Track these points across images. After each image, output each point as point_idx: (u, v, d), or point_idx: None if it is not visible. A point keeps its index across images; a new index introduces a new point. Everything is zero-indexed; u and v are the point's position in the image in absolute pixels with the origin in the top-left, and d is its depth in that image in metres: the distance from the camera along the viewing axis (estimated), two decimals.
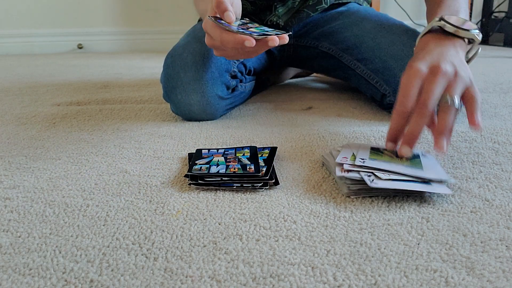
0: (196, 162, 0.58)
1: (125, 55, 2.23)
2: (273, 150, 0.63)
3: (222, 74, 0.83)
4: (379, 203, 0.49)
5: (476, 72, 1.43)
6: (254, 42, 0.59)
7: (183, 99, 0.82)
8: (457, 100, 0.53)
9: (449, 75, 0.54)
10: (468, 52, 0.65)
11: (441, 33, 0.63)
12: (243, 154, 0.61)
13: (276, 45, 0.61)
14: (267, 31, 0.64)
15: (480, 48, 0.65)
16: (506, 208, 0.48)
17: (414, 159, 0.56)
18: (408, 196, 0.50)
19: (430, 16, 0.73)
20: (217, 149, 0.64)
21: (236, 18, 0.64)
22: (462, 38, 0.63)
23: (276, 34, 0.62)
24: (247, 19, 0.71)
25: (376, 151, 0.58)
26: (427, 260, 0.38)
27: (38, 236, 0.43)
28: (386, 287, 0.35)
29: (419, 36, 0.66)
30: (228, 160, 0.58)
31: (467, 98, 0.55)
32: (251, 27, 0.65)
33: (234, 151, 0.62)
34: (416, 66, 0.55)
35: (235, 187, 0.53)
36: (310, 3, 0.95)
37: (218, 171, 0.55)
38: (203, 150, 0.64)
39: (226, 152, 0.62)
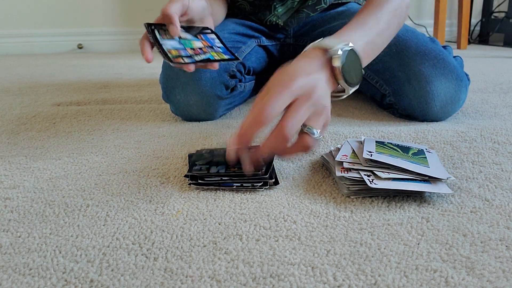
0: (196, 162, 0.58)
1: (125, 55, 2.23)
2: None
3: (221, 74, 0.83)
4: (379, 203, 0.49)
5: (476, 72, 1.43)
6: (147, 58, 0.63)
7: (182, 99, 0.82)
8: (316, 132, 0.51)
9: (315, 110, 0.51)
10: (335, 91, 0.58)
11: (329, 58, 0.55)
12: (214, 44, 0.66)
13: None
14: (211, 52, 0.63)
15: (350, 90, 0.57)
16: (506, 208, 0.48)
17: (420, 155, 0.56)
18: (408, 196, 0.50)
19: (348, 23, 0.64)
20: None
21: (191, 26, 0.65)
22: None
23: (218, 60, 0.62)
24: (209, 29, 0.70)
25: (381, 144, 0.58)
26: (427, 260, 0.38)
27: (38, 236, 0.43)
28: (386, 287, 0.35)
29: (311, 44, 0.57)
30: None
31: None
32: (198, 42, 0.65)
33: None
34: (283, 83, 0.50)
35: (235, 187, 0.53)
36: (309, 3, 0.95)
37: (218, 170, 0.55)
38: (203, 151, 0.64)
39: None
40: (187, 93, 0.81)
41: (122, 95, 1.13)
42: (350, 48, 0.55)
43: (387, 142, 0.59)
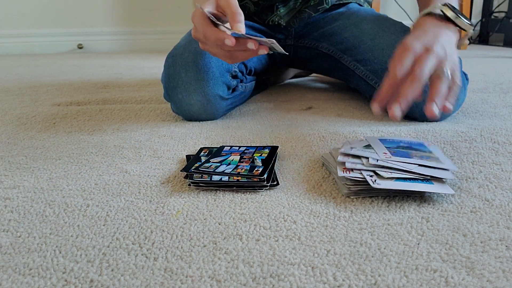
0: (209, 160, 0.59)
1: (125, 55, 2.23)
2: (273, 149, 0.63)
3: (223, 74, 0.83)
4: (379, 203, 0.49)
5: (476, 72, 1.43)
6: (233, 41, 0.59)
7: (184, 98, 0.82)
8: (448, 72, 0.57)
9: (440, 57, 0.57)
10: (458, 40, 0.68)
11: (439, 17, 0.65)
12: (261, 155, 0.61)
13: (255, 50, 0.61)
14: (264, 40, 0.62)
15: (468, 41, 0.69)
16: (506, 208, 0.48)
17: (425, 152, 0.56)
18: (408, 196, 0.50)
19: (424, 3, 0.74)
20: (239, 147, 0.64)
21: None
22: (458, 26, 0.65)
23: (267, 44, 0.61)
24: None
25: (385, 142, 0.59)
26: (427, 260, 0.38)
27: (38, 236, 0.43)
28: (386, 287, 0.35)
29: (419, 15, 0.68)
30: (241, 160, 0.58)
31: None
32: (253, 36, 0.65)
33: (254, 150, 0.63)
34: (410, 43, 0.58)
35: (234, 188, 0.53)
36: (311, 4, 0.96)
37: (221, 178, 0.54)
38: (225, 147, 0.64)
39: (245, 151, 0.62)
40: (189, 92, 0.81)
41: (122, 95, 1.13)
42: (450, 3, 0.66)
43: (390, 140, 0.60)
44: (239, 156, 0.60)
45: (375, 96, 0.57)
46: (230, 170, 0.55)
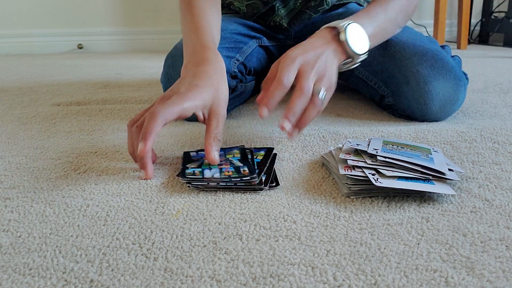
0: (187, 166, 0.57)
1: (125, 55, 2.23)
2: (269, 151, 0.63)
3: None
4: (379, 203, 0.49)
5: (476, 72, 1.43)
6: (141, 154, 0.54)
7: None
8: (323, 92, 0.61)
9: (320, 75, 0.61)
10: (344, 63, 0.69)
11: (335, 35, 0.66)
12: (233, 156, 0.60)
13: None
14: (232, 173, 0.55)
15: (356, 65, 0.70)
16: (506, 208, 0.48)
17: (426, 153, 0.56)
18: (408, 196, 0.50)
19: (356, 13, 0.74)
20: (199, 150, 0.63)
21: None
22: (345, 51, 0.66)
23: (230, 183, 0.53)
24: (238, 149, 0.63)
25: (389, 141, 0.59)
26: (427, 260, 0.38)
27: (38, 236, 0.43)
28: (386, 287, 0.35)
29: (323, 26, 0.68)
30: (219, 163, 0.57)
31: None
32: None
33: (223, 152, 0.61)
34: (295, 56, 0.62)
35: (234, 188, 0.53)
36: (312, 4, 0.95)
37: (213, 175, 0.54)
38: (191, 153, 0.62)
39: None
40: None
41: (122, 95, 1.13)
42: (354, 22, 0.66)
43: (393, 141, 0.60)
44: None
45: (263, 101, 0.60)
46: (219, 175, 0.54)
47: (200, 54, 0.65)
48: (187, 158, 0.61)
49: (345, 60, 0.67)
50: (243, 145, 0.64)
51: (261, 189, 0.53)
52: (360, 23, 0.68)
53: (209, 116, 0.59)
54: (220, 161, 0.58)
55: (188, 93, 0.58)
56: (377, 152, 0.54)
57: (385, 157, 0.52)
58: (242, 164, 0.56)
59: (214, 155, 0.56)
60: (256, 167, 0.56)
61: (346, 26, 0.65)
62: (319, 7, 0.96)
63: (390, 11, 0.74)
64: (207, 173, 0.54)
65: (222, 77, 0.63)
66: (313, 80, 0.60)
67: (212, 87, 0.60)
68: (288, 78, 0.60)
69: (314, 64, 0.61)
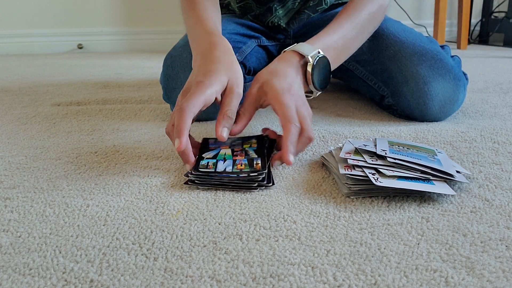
0: (203, 156, 0.58)
1: (125, 55, 2.23)
2: (260, 139, 0.63)
3: None
4: (379, 203, 0.49)
5: (476, 72, 1.43)
6: (181, 146, 0.55)
7: None
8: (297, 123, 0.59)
9: (297, 102, 0.61)
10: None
11: (303, 64, 0.66)
12: (250, 146, 0.61)
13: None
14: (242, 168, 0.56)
15: (316, 94, 0.69)
16: (506, 208, 0.48)
17: (431, 154, 0.56)
18: (408, 196, 0.50)
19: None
20: None
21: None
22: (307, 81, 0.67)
23: (246, 176, 0.53)
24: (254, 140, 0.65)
25: (394, 142, 0.59)
26: (427, 260, 0.38)
27: (38, 236, 0.43)
28: (386, 287, 0.35)
29: (292, 47, 0.68)
30: (235, 154, 0.58)
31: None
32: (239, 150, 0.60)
33: (241, 142, 0.63)
34: (270, 82, 0.62)
35: (231, 186, 0.53)
36: (310, 4, 0.95)
37: (225, 168, 0.55)
38: (209, 140, 0.64)
39: (233, 143, 0.62)
40: None
41: (122, 95, 1.13)
42: (323, 56, 0.67)
43: (397, 141, 0.60)
44: (230, 149, 0.60)
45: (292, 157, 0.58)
46: (231, 168, 0.55)
47: (207, 41, 0.67)
48: (204, 146, 0.62)
49: (305, 91, 0.67)
50: (263, 135, 0.65)
51: (256, 188, 0.53)
52: (327, 49, 0.69)
53: (224, 95, 0.61)
54: (236, 150, 0.59)
55: (205, 81, 0.59)
56: (385, 153, 0.54)
57: (395, 159, 0.52)
58: (256, 156, 0.57)
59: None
60: (257, 156, 0.57)
61: (315, 61, 0.65)
62: (318, 6, 0.96)
63: (357, 24, 0.75)
64: (220, 166, 0.55)
65: (232, 56, 0.65)
66: (295, 111, 0.59)
67: (225, 69, 0.61)
68: (309, 130, 0.59)
69: (294, 96, 0.61)
